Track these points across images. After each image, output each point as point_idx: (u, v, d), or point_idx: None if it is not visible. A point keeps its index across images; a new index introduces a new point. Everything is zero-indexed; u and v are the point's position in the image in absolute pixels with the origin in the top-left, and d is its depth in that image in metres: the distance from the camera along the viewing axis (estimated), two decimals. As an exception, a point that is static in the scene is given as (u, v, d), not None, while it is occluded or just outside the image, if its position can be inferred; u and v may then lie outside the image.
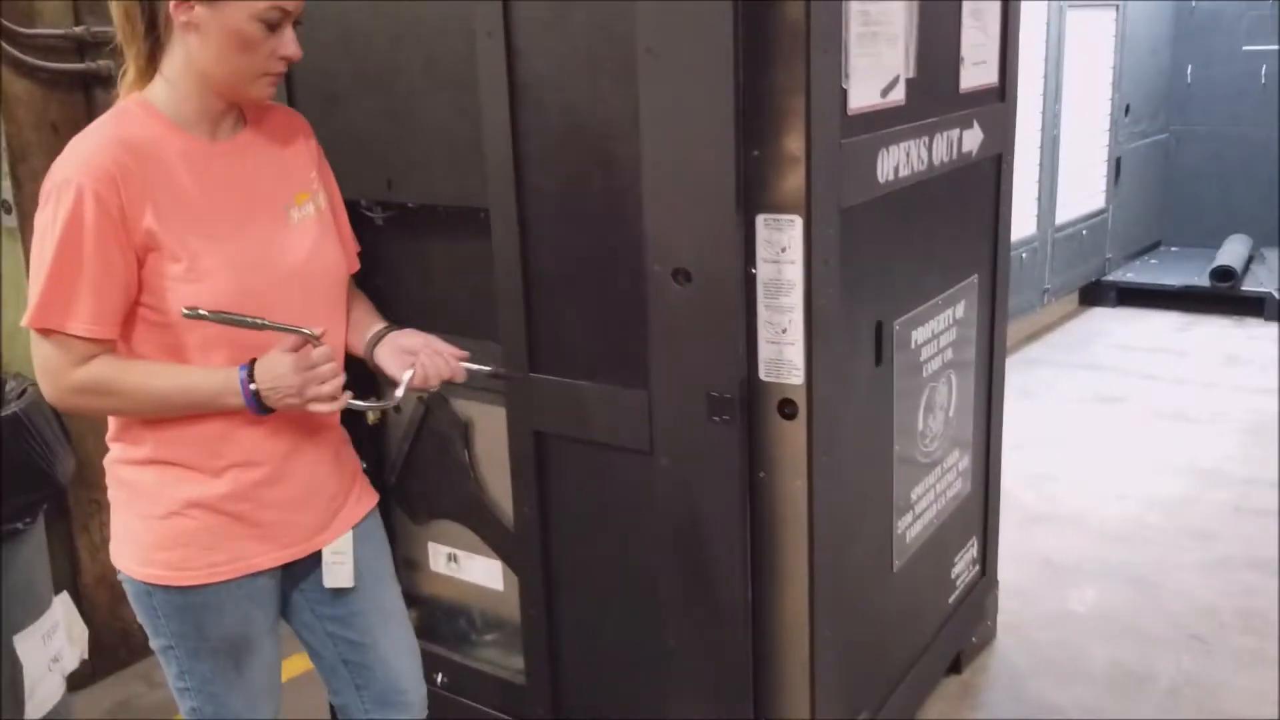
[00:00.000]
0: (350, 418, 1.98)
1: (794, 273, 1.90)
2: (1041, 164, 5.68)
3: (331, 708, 2.27)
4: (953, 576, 2.77)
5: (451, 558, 2.58)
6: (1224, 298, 6.30)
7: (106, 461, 1.80)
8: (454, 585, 2.59)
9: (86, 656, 2.78)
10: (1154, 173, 7.02)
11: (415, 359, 1.89)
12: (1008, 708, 2.80)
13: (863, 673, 2.33)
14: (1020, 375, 5.45)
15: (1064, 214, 6.01)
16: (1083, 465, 4.31)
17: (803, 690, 2.08)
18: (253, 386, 1.64)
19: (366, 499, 2.00)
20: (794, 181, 1.86)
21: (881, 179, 2.12)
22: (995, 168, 2.69)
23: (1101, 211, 6.50)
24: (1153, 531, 3.73)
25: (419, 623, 2.68)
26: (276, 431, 1.77)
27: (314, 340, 1.70)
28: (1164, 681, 2.89)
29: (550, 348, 2.14)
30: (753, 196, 1.88)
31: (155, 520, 1.74)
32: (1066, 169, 5.91)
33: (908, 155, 2.20)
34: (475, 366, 1.96)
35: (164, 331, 1.66)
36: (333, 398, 1.70)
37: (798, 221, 1.87)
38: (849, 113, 1.98)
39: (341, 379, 1.72)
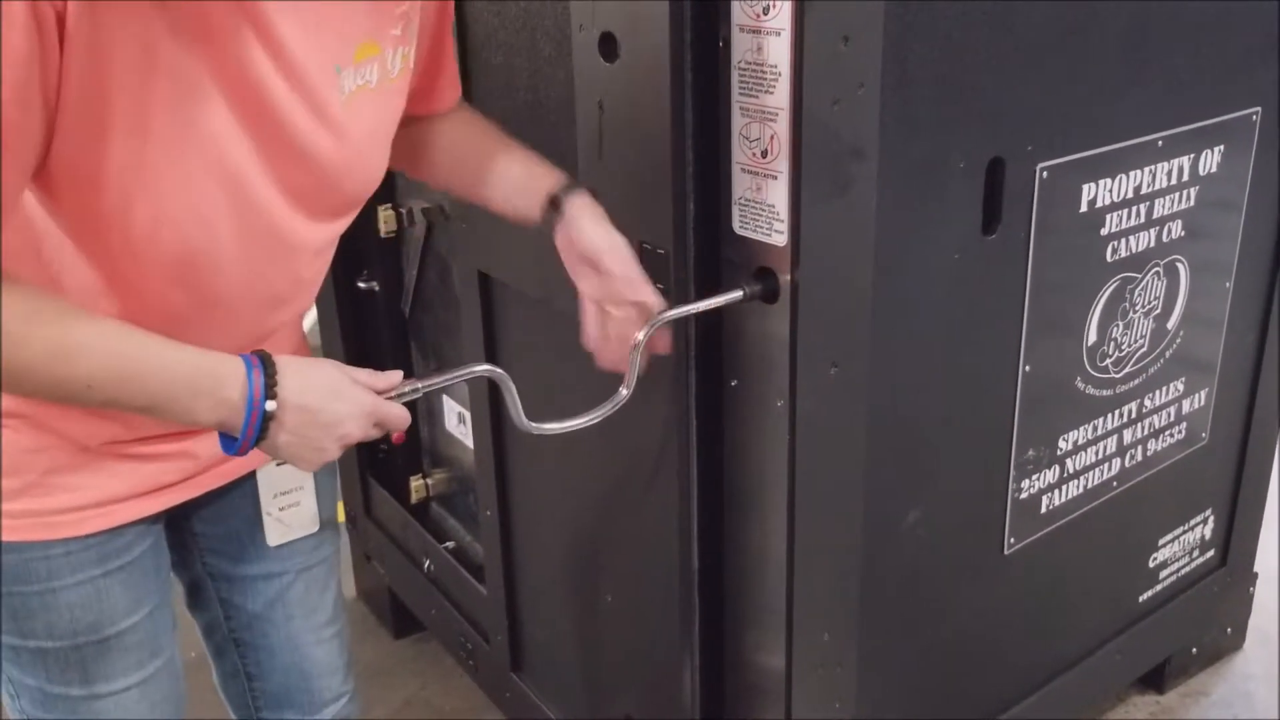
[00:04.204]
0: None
1: (779, 50, 1.10)
2: None
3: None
4: (1152, 564, 1.85)
5: (461, 418, 2.03)
6: None
7: None
8: (467, 451, 2.04)
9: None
10: None
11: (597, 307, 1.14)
12: (1211, 762, 1.90)
13: (919, 690, 1.54)
14: None
15: None
16: None
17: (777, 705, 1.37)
18: (269, 405, 0.89)
19: None
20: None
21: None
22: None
23: None
24: None
25: (443, 487, 2.18)
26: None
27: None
28: None
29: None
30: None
31: None
32: None
33: None
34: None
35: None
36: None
37: (787, -42, 1.06)
38: None
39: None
